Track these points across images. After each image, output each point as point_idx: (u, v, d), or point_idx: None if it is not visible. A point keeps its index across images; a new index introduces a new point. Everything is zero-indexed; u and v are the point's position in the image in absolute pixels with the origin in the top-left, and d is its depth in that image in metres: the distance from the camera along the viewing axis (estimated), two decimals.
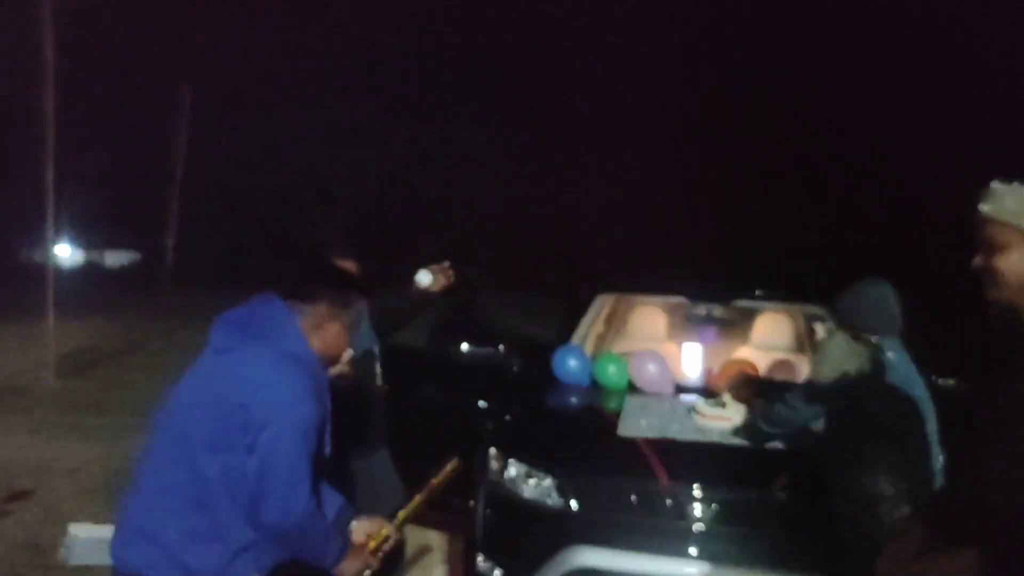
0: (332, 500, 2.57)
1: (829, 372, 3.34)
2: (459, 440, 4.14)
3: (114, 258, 42.55)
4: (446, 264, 4.06)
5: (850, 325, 3.38)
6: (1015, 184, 2.06)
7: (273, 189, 31.36)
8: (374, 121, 30.29)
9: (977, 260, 2.10)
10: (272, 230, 29.85)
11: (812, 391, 3.40)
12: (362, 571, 2.52)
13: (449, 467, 2.87)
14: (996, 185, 2.07)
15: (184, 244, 17.67)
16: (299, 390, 2.27)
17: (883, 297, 3.38)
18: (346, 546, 2.45)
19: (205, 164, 21.98)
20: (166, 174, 16.23)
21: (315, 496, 2.29)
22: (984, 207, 2.07)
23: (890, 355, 3.25)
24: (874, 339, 3.31)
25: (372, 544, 2.58)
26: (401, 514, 2.72)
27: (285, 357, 2.31)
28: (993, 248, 2.05)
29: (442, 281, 3.98)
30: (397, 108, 30.71)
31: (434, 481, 2.82)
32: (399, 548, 4.35)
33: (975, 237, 2.11)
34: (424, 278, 3.91)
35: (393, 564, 4.96)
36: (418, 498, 2.78)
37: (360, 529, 2.61)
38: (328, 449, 2.47)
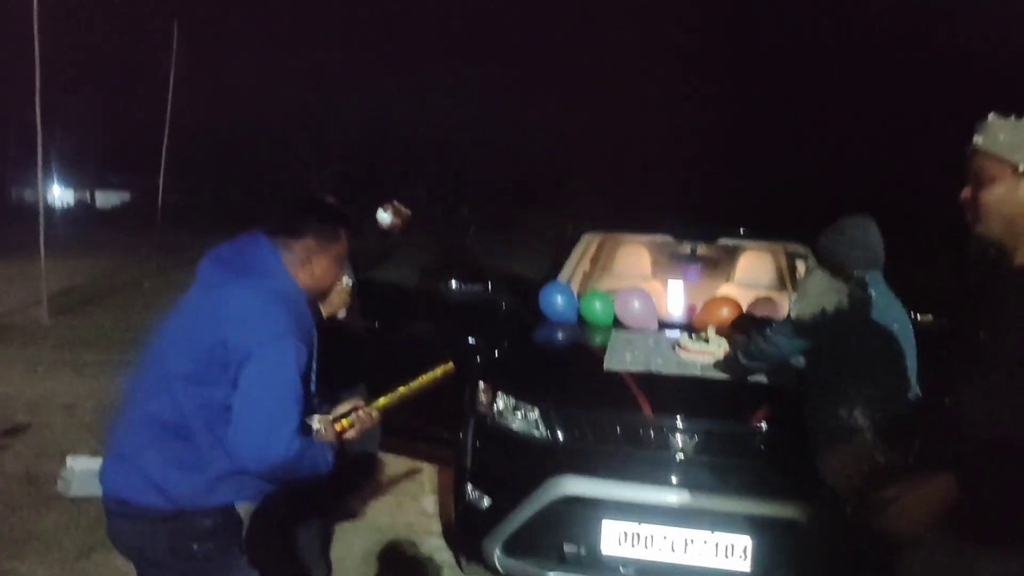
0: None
1: (808, 308, 3.39)
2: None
3: (105, 198, 42.30)
4: (396, 203, 4.28)
5: (833, 261, 3.43)
6: (1011, 118, 2.03)
7: (264, 129, 31.06)
8: (364, 60, 29.93)
9: (965, 193, 2.08)
10: (263, 169, 29.69)
11: (792, 326, 3.46)
12: (335, 442, 2.48)
13: (440, 368, 2.81)
14: (992, 118, 2.04)
15: (175, 185, 17.52)
16: (281, 328, 2.25)
17: (865, 233, 3.40)
18: (333, 453, 2.42)
19: (195, 104, 21.74)
20: (157, 115, 16.06)
21: (300, 436, 2.24)
22: (977, 139, 2.04)
23: (871, 291, 3.30)
24: (856, 275, 3.36)
25: (345, 423, 2.53)
26: (381, 400, 2.66)
27: (270, 295, 2.30)
28: (981, 181, 2.03)
29: (398, 221, 4.16)
30: (387, 47, 30.35)
31: (423, 377, 2.76)
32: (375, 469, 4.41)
33: (966, 169, 2.08)
34: (384, 217, 4.06)
35: (383, 492, 5.11)
36: (402, 389, 2.71)
37: (335, 411, 2.59)
38: (313, 388, 2.46)
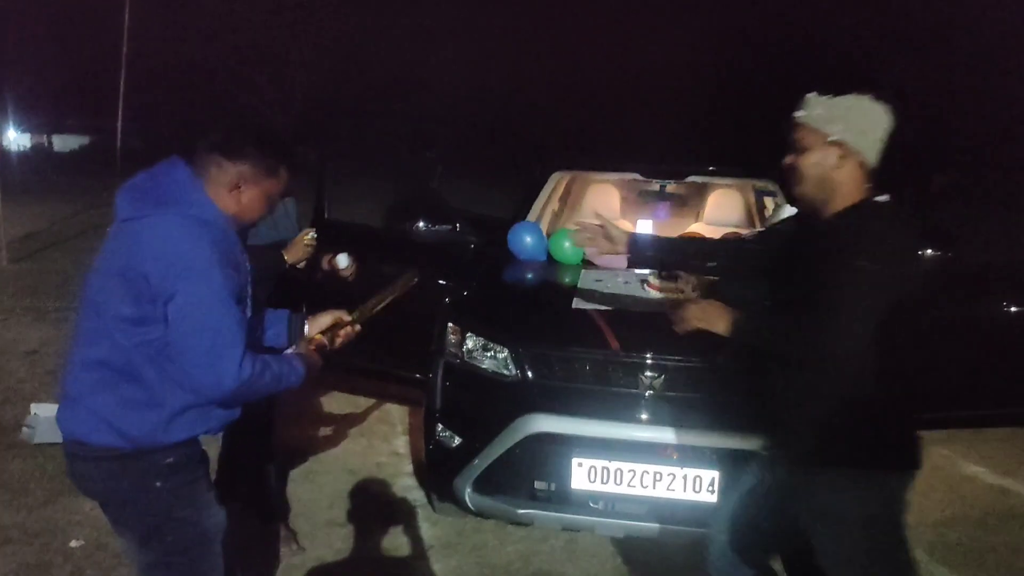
0: (277, 319, 2.57)
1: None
2: (417, 316, 4.18)
3: (63, 142, 41.48)
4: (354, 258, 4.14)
5: None
6: (829, 96, 2.33)
7: (225, 68, 30.47)
8: None
9: (787, 159, 2.42)
10: (225, 110, 29.17)
11: None
12: (319, 365, 2.52)
13: (405, 279, 2.86)
14: (811, 96, 2.35)
15: (135, 127, 17.15)
16: (203, 259, 2.15)
17: None
18: (304, 363, 2.40)
19: (154, 44, 21.22)
20: (115, 56, 15.63)
21: (252, 357, 2.19)
22: (799, 113, 2.37)
23: None
24: None
25: (328, 333, 2.60)
26: (355, 314, 2.69)
27: (191, 223, 2.19)
28: (800, 149, 2.37)
29: (348, 272, 4.05)
30: None
31: (391, 289, 2.81)
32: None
33: (789, 139, 2.42)
34: (343, 260, 3.96)
35: (354, 433, 5.11)
36: (372, 301, 2.75)
37: (316, 325, 2.61)
38: (249, 312, 2.36)
